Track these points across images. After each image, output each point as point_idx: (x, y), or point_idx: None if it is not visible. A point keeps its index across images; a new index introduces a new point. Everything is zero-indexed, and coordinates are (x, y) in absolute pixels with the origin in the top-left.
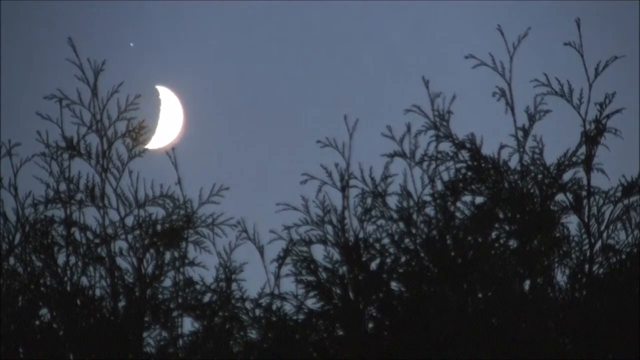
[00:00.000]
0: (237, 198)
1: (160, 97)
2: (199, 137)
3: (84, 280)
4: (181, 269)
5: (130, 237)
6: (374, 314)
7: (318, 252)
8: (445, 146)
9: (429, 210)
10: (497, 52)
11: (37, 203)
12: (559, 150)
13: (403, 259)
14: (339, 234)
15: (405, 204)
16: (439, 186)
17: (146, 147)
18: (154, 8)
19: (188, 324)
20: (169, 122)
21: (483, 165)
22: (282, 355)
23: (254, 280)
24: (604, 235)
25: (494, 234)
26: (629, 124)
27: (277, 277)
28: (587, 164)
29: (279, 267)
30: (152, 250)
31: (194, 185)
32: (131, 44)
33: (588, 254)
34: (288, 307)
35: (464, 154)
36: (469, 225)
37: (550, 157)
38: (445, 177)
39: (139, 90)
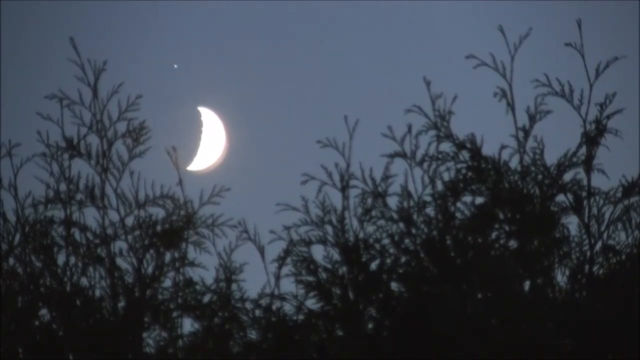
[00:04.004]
0: (236, 198)
1: (202, 118)
2: (241, 158)
3: (84, 281)
4: (181, 270)
5: (130, 237)
6: (374, 315)
7: (318, 252)
8: (446, 146)
9: (429, 211)
10: (498, 52)
11: (37, 203)
12: (560, 150)
13: (403, 259)
14: (339, 235)
15: (405, 204)
16: (440, 186)
17: (188, 168)
18: (194, 28)
19: (188, 325)
20: (211, 144)
21: (483, 165)
22: (282, 355)
23: (253, 281)
24: (604, 235)
25: (494, 235)
26: (630, 124)
27: (277, 277)
28: (588, 164)
29: (279, 267)
30: (152, 251)
31: (233, 203)
32: (175, 66)
33: (588, 254)
34: (288, 308)
35: (465, 155)
36: (469, 225)
37: (551, 158)
38: (446, 177)
39: (181, 112)
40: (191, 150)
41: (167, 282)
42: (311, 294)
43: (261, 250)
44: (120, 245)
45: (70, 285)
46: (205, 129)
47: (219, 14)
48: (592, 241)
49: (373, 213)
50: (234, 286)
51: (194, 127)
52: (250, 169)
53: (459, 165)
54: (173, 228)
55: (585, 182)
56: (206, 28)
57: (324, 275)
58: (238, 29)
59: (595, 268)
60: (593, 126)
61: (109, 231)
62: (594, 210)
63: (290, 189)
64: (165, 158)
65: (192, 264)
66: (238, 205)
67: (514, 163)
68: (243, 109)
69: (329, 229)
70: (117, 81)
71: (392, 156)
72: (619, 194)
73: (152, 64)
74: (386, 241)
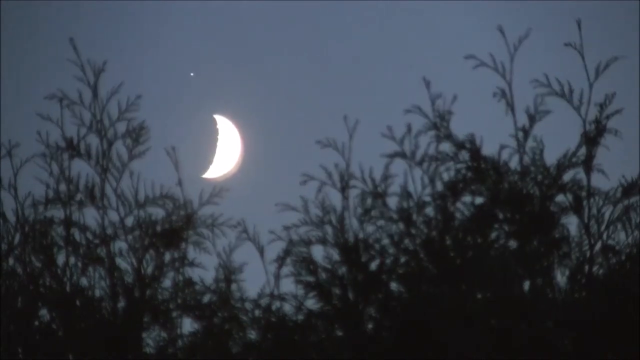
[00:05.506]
0: (238, 199)
1: (218, 126)
2: (257, 166)
3: (84, 281)
4: (181, 270)
5: (130, 237)
6: (373, 315)
7: (318, 252)
8: (446, 147)
9: (429, 211)
10: (497, 52)
11: (36, 203)
12: (559, 150)
13: (402, 259)
14: (339, 235)
15: (405, 204)
16: (439, 187)
17: (203, 176)
18: (211, 37)
19: (187, 325)
20: (227, 151)
21: (483, 165)
22: (282, 355)
23: (253, 281)
24: (604, 236)
25: (493, 235)
26: (629, 124)
27: (277, 277)
28: (587, 164)
29: (279, 267)
30: (151, 251)
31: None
32: (191, 74)
33: (588, 254)
34: (287, 308)
35: (464, 155)
36: (468, 225)
37: (551, 158)
38: (446, 177)
39: (197, 119)
40: (208, 158)
41: (167, 282)
42: (311, 294)
43: (261, 251)
44: (120, 245)
45: (70, 285)
46: (221, 137)
47: (218, 15)
48: (592, 241)
49: (373, 213)
50: (233, 286)
51: (211, 135)
52: (262, 173)
53: (458, 166)
54: (173, 228)
55: (584, 182)
56: (207, 30)
57: (323, 275)
58: (237, 32)
59: (594, 268)
60: (593, 126)
61: (109, 231)
62: (594, 211)
63: (291, 189)
64: (181, 160)
65: (191, 264)
66: (238, 205)
67: (514, 163)
68: (253, 113)
69: (329, 229)
70: (117, 82)
71: (392, 156)
72: (618, 194)
73: (152, 66)
74: (386, 241)
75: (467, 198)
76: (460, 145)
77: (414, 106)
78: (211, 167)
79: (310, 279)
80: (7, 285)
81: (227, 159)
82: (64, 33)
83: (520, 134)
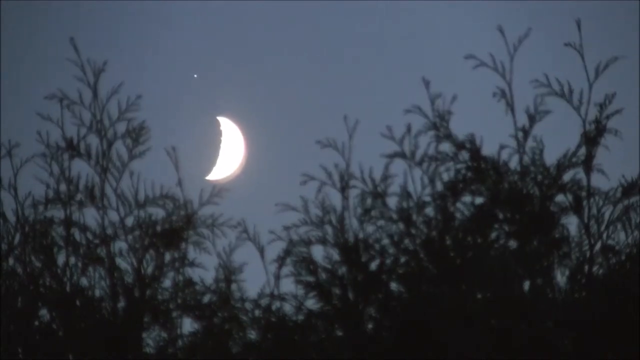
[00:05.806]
0: (237, 199)
1: (222, 128)
2: (258, 166)
3: (84, 281)
4: (181, 270)
5: (130, 237)
6: (373, 315)
7: (317, 252)
8: (445, 147)
9: (429, 211)
10: (497, 52)
11: (36, 203)
12: (559, 150)
13: (402, 259)
14: (339, 235)
15: (405, 204)
16: (439, 187)
17: (207, 177)
18: (214, 39)
19: (187, 325)
20: (230, 153)
21: (483, 165)
22: (282, 355)
23: (253, 281)
24: (604, 236)
25: (493, 235)
26: (629, 124)
27: (277, 277)
28: (587, 164)
29: (279, 267)
30: (151, 251)
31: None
32: (195, 75)
33: (588, 254)
34: (287, 308)
35: (464, 155)
36: (468, 225)
37: (550, 158)
38: (445, 177)
39: (200, 120)
40: (211, 159)
41: (167, 282)
42: (311, 294)
43: (261, 251)
44: (120, 245)
45: (70, 285)
46: (224, 139)
47: (218, 15)
48: (592, 241)
49: (372, 213)
50: (233, 286)
51: (214, 136)
52: (263, 174)
53: (458, 166)
54: (173, 228)
55: (584, 182)
56: (207, 31)
57: (323, 275)
58: (237, 32)
59: (594, 268)
60: (592, 126)
61: (109, 231)
62: (594, 211)
63: (291, 189)
64: (182, 161)
65: (192, 264)
66: (239, 205)
67: (514, 163)
68: (254, 114)
69: (329, 229)
70: (117, 82)
71: (392, 156)
72: (618, 194)
73: (153, 66)
74: (386, 241)
75: (467, 198)
76: (460, 145)
77: (414, 106)
78: (214, 168)
79: (310, 279)
80: (7, 285)
81: (230, 160)
82: (64, 33)
83: (520, 134)
